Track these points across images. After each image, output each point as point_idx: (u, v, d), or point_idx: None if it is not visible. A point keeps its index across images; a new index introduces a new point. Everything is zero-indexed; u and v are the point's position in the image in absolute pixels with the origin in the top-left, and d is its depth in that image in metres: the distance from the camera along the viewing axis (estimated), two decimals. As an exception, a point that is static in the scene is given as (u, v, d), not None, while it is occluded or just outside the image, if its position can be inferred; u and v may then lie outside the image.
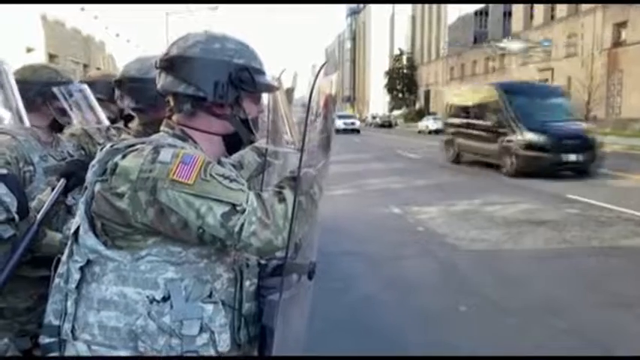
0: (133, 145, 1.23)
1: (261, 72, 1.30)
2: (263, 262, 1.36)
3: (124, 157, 1.20)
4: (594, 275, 5.28)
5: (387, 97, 73.26)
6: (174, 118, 1.32)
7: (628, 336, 3.83)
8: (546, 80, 39.01)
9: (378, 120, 53.34)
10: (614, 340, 3.74)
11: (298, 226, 1.18)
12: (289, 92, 1.59)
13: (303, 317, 1.38)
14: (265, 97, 1.40)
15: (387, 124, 51.01)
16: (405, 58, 69.82)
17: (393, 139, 30.95)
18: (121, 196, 1.17)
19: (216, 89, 1.25)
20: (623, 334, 3.85)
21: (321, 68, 1.22)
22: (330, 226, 7.56)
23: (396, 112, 63.66)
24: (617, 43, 32.22)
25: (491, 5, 53.75)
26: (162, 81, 1.29)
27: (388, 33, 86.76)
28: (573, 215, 7.95)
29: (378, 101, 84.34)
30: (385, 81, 70.35)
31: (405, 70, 68.38)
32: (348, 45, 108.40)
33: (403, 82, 67.75)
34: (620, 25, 32.02)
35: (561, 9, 38.57)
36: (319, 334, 3.45)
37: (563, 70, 35.74)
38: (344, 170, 14.33)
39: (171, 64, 1.27)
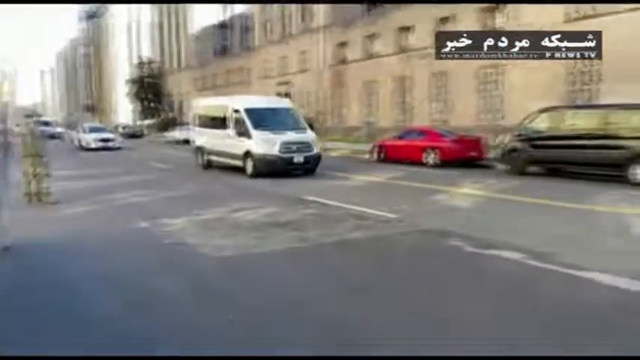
0: None
1: None
2: None
3: None
4: (331, 267, 5.91)
5: (132, 107, 69.82)
6: None
7: (371, 319, 4.33)
8: (285, 94, 42.40)
9: (128, 130, 51.17)
10: (356, 327, 4.17)
11: None
12: None
13: None
14: None
15: (138, 134, 50.08)
16: (149, 66, 67.23)
17: (143, 150, 29.66)
18: None
19: None
20: (366, 318, 4.35)
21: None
22: (71, 246, 6.86)
23: (148, 122, 61.01)
24: (341, 60, 36.78)
25: (234, 20, 55.87)
26: None
27: (133, 39, 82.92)
28: (311, 215, 8.77)
29: (124, 111, 79.89)
30: (127, 89, 66.87)
31: (150, 79, 65.86)
32: (82, 50, 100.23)
33: (149, 91, 65.20)
34: (342, 45, 36.62)
35: (296, 26, 42.37)
36: None
37: (298, 84, 39.37)
38: (89, 185, 13.32)
39: None
